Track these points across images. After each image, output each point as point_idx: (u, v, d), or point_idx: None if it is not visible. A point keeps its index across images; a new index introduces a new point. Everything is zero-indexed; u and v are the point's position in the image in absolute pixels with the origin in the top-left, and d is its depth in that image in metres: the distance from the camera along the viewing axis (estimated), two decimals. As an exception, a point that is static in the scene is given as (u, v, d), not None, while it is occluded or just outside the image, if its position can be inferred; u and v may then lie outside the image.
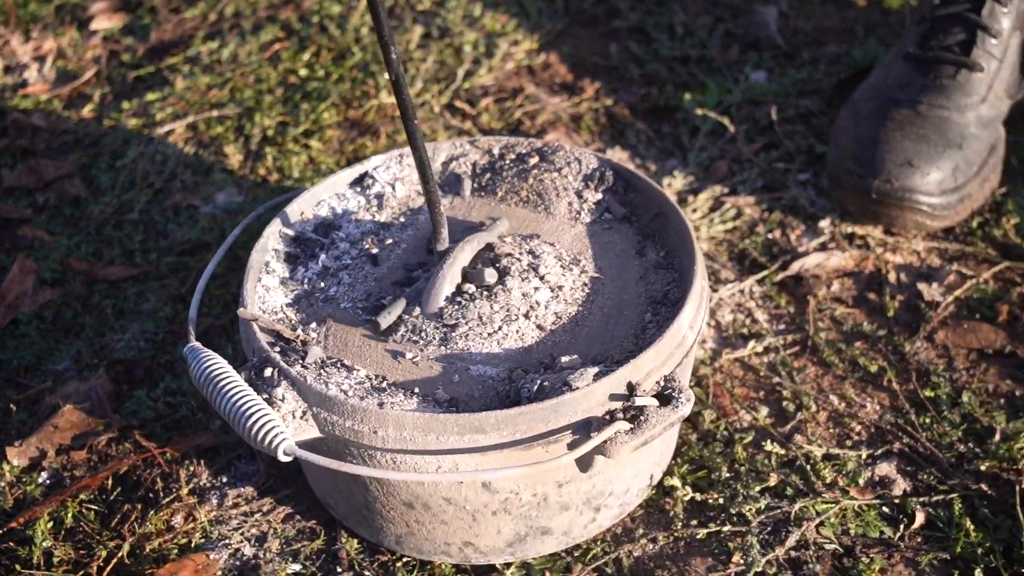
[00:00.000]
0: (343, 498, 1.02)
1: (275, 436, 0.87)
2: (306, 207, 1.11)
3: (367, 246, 1.07)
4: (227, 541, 1.06)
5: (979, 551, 1.01)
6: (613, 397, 0.89)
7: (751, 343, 1.21)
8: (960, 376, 1.17)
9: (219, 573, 1.03)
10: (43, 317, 1.31)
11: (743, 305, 1.26)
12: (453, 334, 0.96)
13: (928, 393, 1.15)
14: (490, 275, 0.99)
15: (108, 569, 1.04)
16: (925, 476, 1.07)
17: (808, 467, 1.09)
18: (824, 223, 1.34)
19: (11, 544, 1.06)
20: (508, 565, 1.02)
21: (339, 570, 1.03)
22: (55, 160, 1.52)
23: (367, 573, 1.02)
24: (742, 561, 1.02)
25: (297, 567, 1.03)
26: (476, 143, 1.16)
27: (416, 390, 0.93)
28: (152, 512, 1.08)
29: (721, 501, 1.06)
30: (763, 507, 1.05)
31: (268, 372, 0.92)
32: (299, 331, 0.99)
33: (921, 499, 1.05)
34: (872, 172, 1.28)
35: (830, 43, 1.61)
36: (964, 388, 1.15)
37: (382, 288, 1.03)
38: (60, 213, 1.45)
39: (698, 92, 1.53)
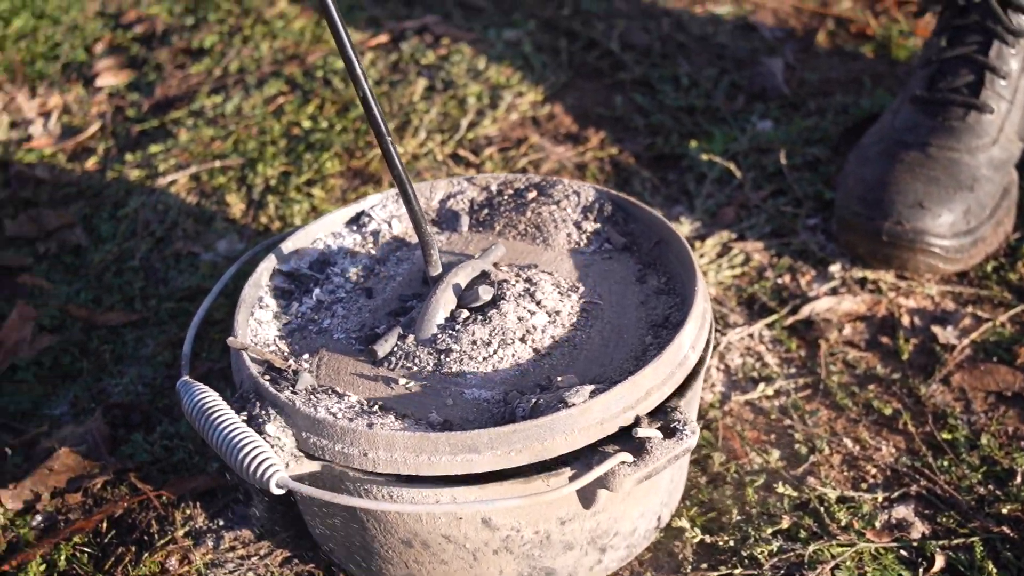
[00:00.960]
0: (341, 542, 0.99)
1: (267, 468, 0.85)
2: (302, 245, 1.09)
3: (362, 279, 1.05)
4: (222, 586, 1.02)
5: (1002, 594, 0.97)
6: (614, 426, 0.87)
7: (761, 386, 1.18)
8: (978, 419, 1.13)
9: (212, 619, 1.00)
10: (41, 363, 1.29)
11: (752, 349, 1.23)
12: (447, 359, 0.93)
13: (945, 436, 1.11)
14: (485, 292, 0.96)
15: (98, 615, 1.00)
16: (944, 519, 1.04)
17: (822, 509, 1.05)
18: (835, 268, 1.31)
19: (1, 589, 1.04)
20: (512, 610, 0.98)
21: (337, 616, 0.99)
22: (57, 210, 1.51)
23: (365, 619, 0.98)
24: (755, 605, 0.98)
25: (293, 613, 1.00)
26: (473, 180, 1.15)
27: (408, 413, 0.90)
28: (146, 554, 1.05)
29: (732, 544, 1.03)
30: (775, 549, 1.02)
31: (255, 400, 0.90)
32: (291, 361, 0.96)
33: (941, 542, 1.01)
34: (882, 214, 1.25)
35: (837, 93, 1.60)
36: (983, 431, 1.12)
37: (376, 319, 1.00)
38: (61, 261, 1.44)
39: (704, 140, 1.52)
